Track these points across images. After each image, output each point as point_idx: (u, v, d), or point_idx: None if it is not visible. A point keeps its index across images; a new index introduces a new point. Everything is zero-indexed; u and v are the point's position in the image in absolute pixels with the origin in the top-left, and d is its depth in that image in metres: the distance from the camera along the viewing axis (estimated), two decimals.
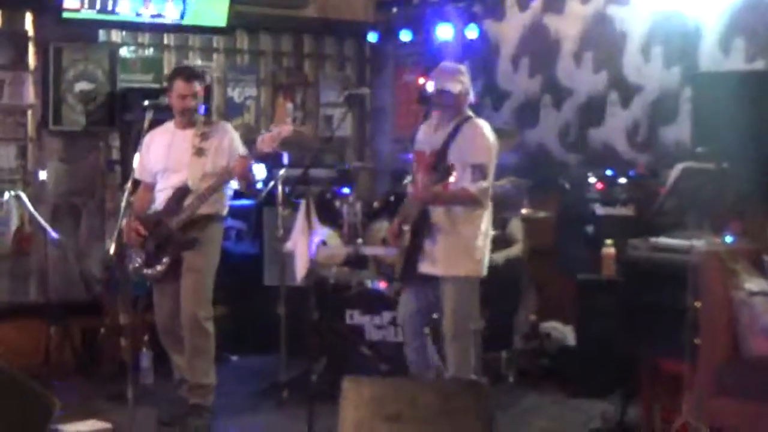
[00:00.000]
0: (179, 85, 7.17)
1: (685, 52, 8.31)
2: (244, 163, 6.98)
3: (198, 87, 7.22)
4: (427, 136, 6.84)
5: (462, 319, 6.69)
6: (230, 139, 7.24)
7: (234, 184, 7.45)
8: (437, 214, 6.59)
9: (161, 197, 7.22)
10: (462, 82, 6.71)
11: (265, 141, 6.91)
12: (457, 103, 6.69)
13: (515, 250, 8.59)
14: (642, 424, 6.86)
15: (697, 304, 6.33)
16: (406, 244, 6.64)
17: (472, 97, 6.83)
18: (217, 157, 7.13)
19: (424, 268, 6.66)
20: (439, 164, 6.54)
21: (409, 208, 6.63)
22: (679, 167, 6.50)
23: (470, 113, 6.78)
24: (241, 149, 7.20)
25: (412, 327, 6.84)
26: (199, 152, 7.13)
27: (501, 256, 8.37)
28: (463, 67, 6.92)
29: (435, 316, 7.00)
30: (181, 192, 7.09)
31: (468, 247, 6.66)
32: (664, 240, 6.83)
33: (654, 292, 6.75)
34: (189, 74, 7.33)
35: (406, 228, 6.62)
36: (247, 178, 7.13)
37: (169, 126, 7.30)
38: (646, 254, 6.88)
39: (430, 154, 6.67)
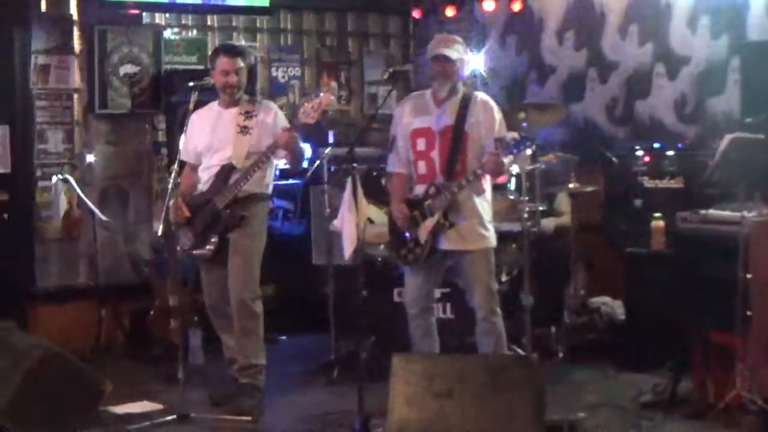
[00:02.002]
0: (222, 61, 7.16)
1: (732, 22, 8.23)
2: (289, 135, 6.96)
3: (241, 63, 7.19)
4: (425, 112, 6.73)
5: (493, 290, 6.73)
6: (274, 116, 7.22)
7: (281, 163, 7.44)
8: (462, 191, 6.57)
9: (206, 176, 7.23)
10: (459, 51, 6.66)
11: (307, 112, 6.88)
12: (453, 72, 6.64)
13: (564, 220, 8.55)
14: (694, 397, 6.82)
15: (749, 275, 6.29)
16: (431, 226, 6.58)
17: (464, 72, 6.78)
18: (261, 135, 7.11)
19: (450, 245, 6.62)
20: (456, 140, 6.53)
21: (447, 191, 6.53)
22: (727, 138, 6.42)
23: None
24: (286, 125, 7.17)
25: (422, 307, 6.81)
26: (244, 130, 7.11)
27: (551, 223, 8.34)
28: (460, 39, 6.84)
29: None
30: (227, 171, 7.09)
31: (488, 216, 6.72)
32: (713, 212, 6.78)
33: (704, 264, 6.71)
34: (232, 50, 7.33)
35: (438, 212, 6.55)
36: (293, 149, 7.11)
37: (213, 105, 7.30)
38: (695, 227, 6.83)
39: (444, 130, 6.62)
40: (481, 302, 6.66)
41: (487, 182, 6.71)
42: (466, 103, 6.63)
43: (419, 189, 6.71)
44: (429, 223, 6.58)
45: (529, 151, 6.59)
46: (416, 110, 6.78)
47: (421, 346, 6.79)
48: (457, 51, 6.63)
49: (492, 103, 6.69)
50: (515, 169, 7.79)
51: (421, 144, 6.70)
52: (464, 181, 6.48)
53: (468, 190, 6.55)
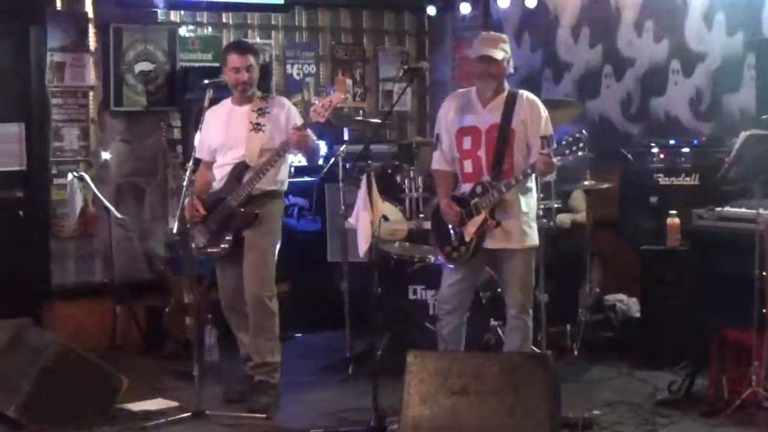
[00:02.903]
0: (232, 58, 7.17)
1: (748, 18, 8.19)
2: (300, 133, 6.96)
3: (252, 60, 7.19)
4: (471, 111, 6.67)
5: (531, 289, 6.71)
6: (287, 112, 7.22)
7: (296, 160, 7.43)
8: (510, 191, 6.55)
9: (220, 174, 7.24)
10: (504, 50, 6.60)
11: (318, 111, 6.89)
12: (499, 72, 6.58)
13: (580, 216, 8.53)
14: (709, 395, 6.81)
15: (764, 273, 6.28)
16: (477, 226, 6.56)
17: (512, 69, 6.76)
18: (274, 131, 7.12)
19: (495, 243, 6.59)
20: (503, 138, 6.51)
21: (495, 191, 6.50)
22: (743, 135, 6.41)
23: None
24: (298, 122, 7.17)
25: (457, 305, 6.75)
26: (257, 128, 7.12)
27: (567, 218, 8.31)
28: (505, 36, 6.82)
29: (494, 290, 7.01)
30: (240, 168, 7.10)
31: (534, 215, 6.70)
32: (729, 209, 6.77)
33: (720, 261, 6.70)
34: (242, 47, 7.35)
35: (484, 211, 6.53)
36: (305, 148, 7.12)
37: (227, 103, 7.31)
38: (711, 224, 6.83)
39: (490, 128, 6.58)
40: (516, 299, 6.63)
41: (532, 179, 6.69)
42: (512, 101, 6.58)
43: (465, 187, 6.66)
44: (475, 222, 6.56)
45: (581, 153, 6.55)
46: (462, 109, 6.71)
47: (447, 342, 6.75)
48: (502, 50, 6.56)
49: (538, 101, 6.64)
50: None
51: (467, 143, 6.64)
52: (513, 180, 6.43)
53: (518, 191, 6.53)
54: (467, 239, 6.58)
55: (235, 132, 7.16)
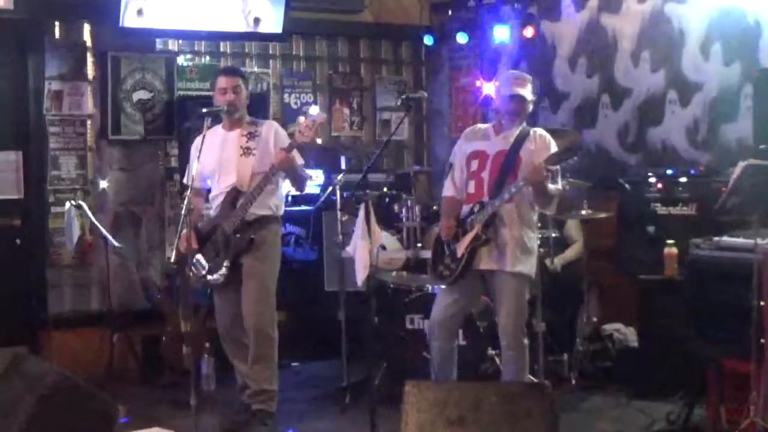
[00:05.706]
0: (220, 80, 7.22)
1: (745, 49, 8.22)
2: (284, 154, 6.96)
3: (240, 82, 7.23)
4: (484, 138, 6.86)
5: (523, 317, 6.74)
6: (276, 135, 7.22)
7: (286, 186, 7.43)
8: (507, 211, 6.62)
9: (216, 201, 7.25)
10: (531, 91, 6.84)
11: (302, 132, 6.89)
12: (526, 111, 6.81)
13: (572, 252, 8.54)
14: (708, 425, 6.79)
15: (762, 303, 6.27)
16: (469, 241, 6.61)
17: (530, 107, 6.91)
18: (264, 155, 7.11)
19: (487, 264, 6.65)
20: (508, 163, 6.63)
21: (489, 206, 6.60)
22: (741, 165, 6.41)
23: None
24: (286, 144, 7.17)
25: (448, 329, 6.81)
26: (247, 152, 7.13)
27: (558, 261, 8.31)
28: (529, 77, 6.98)
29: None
30: (233, 194, 7.10)
31: (532, 246, 6.76)
32: (727, 239, 6.75)
33: (718, 291, 6.68)
34: (229, 70, 7.48)
35: (478, 225, 6.59)
36: (291, 170, 7.11)
37: (218, 129, 7.29)
38: (708, 254, 6.81)
39: (498, 153, 6.70)
40: (504, 328, 6.67)
41: (535, 214, 6.81)
42: (524, 134, 6.78)
43: (466, 209, 6.79)
44: (467, 237, 6.63)
45: (571, 161, 6.67)
46: (475, 136, 6.94)
47: (440, 370, 6.77)
48: (530, 91, 6.83)
49: (549, 136, 6.81)
50: None
51: (474, 165, 6.82)
52: (506, 194, 6.55)
53: (516, 216, 6.65)
54: (459, 255, 6.65)
55: (227, 157, 7.17)
